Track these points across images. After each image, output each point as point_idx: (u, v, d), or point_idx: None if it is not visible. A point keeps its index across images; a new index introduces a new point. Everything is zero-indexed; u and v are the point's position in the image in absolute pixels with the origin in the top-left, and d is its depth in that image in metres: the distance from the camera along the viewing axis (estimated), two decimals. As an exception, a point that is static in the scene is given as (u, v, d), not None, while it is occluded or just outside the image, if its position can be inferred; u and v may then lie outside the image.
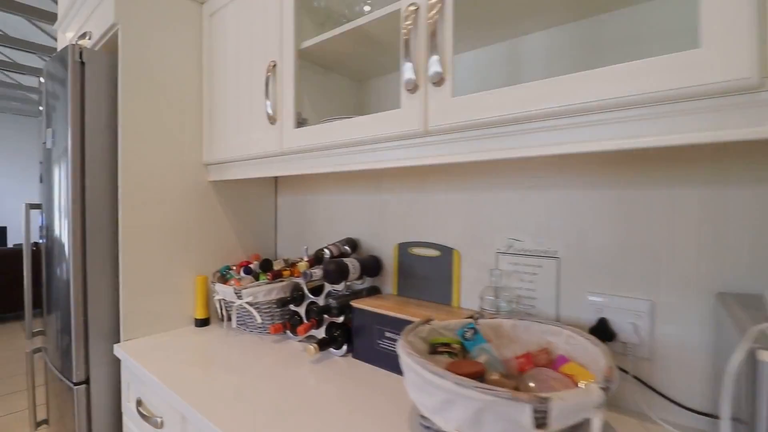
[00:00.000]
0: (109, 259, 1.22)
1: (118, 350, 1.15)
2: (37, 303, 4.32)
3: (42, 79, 1.42)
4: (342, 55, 1.12)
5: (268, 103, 1.06)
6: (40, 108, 1.44)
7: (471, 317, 0.93)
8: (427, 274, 1.12)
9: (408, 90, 0.77)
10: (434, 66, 0.72)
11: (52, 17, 3.90)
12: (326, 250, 1.14)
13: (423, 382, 0.59)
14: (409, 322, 0.95)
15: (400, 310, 0.99)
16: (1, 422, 2.29)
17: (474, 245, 1.04)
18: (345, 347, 1.07)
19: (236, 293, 1.19)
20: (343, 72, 1.25)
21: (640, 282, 0.80)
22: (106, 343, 1.21)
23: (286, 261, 1.40)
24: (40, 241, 1.54)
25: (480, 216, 1.03)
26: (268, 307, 1.21)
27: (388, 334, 0.99)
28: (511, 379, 0.68)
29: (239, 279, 1.27)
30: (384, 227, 1.25)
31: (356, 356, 1.06)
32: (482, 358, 0.70)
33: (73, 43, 1.15)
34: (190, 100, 1.34)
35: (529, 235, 0.95)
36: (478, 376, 0.62)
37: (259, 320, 1.17)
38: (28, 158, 7.96)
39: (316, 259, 1.12)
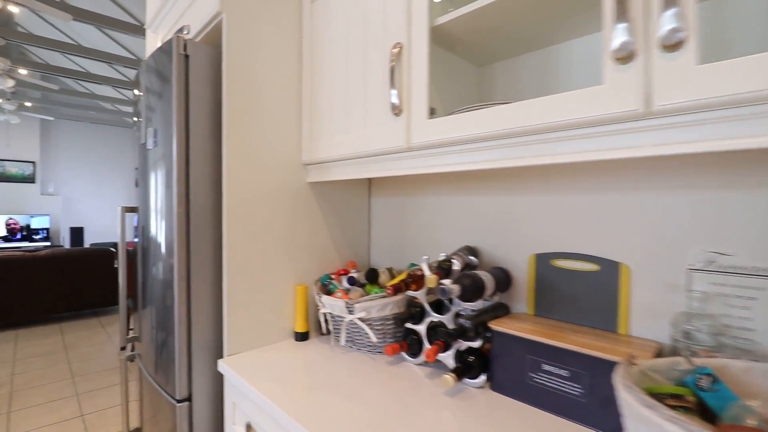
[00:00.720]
0: (211, 266, 1.13)
1: (223, 366, 1.06)
2: (115, 299, 4.50)
3: (137, 91, 1.39)
4: (471, 34, 0.96)
5: (394, 92, 0.92)
6: (135, 119, 1.41)
7: (660, 353, 0.73)
8: (579, 292, 0.93)
9: (618, 59, 0.59)
10: (669, 23, 0.53)
11: (123, 26, 4.09)
12: (454, 261, 0.98)
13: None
14: (577, 354, 0.77)
15: (559, 338, 0.81)
16: (89, 420, 2.34)
17: (652, 259, 0.83)
18: (483, 377, 0.91)
19: (348, 308, 1.06)
20: (466, 54, 1.09)
21: None
22: (207, 357, 1.13)
23: (389, 270, 1.26)
24: (135, 239, 1.51)
25: (663, 222, 0.82)
26: (381, 324, 1.07)
27: (546, 367, 0.81)
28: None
29: (347, 291, 1.14)
30: (511, 234, 1.07)
31: (497, 389, 0.89)
32: (751, 421, 0.51)
33: (178, 35, 1.08)
34: (289, 94, 1.24)
35: (742, 247, 0.73)
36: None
37: (374, 339, 1.03)
38: (103, 163, 8.54)
39: (443, 271, 0.97)
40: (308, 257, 1.30)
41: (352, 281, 1.18)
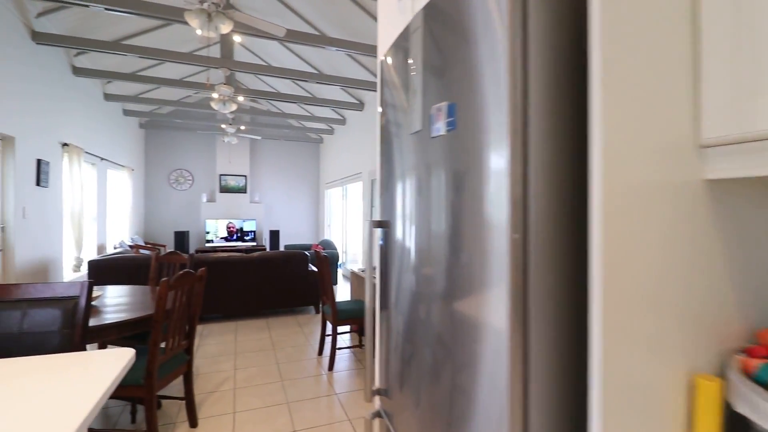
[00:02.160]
0: (552, 339, 0.65)
1: None
2: (306, 300, 4.56)
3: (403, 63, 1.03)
4: None
5: None
6: (394, 130, 1.07)
7: None
8: None
9: None
10: None
11: (302, 37, 4.23)
12: None
13: None
14: None
15: None
16: (301, 439, 2.26)
17: None
18: None
19: None
20: None
21: None
22: (544, 493, 0.64)
23: None
24: (380, 243, 1.18)
25: None
26: None
27: None
28: None
29: None
30: None
31: None
32: None
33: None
34: (671, 20, 0.67)
35: None
36: None
37: None
38: (292, 174, 9.71)
39: None
40: (700, 320, 0.70)
41: None
